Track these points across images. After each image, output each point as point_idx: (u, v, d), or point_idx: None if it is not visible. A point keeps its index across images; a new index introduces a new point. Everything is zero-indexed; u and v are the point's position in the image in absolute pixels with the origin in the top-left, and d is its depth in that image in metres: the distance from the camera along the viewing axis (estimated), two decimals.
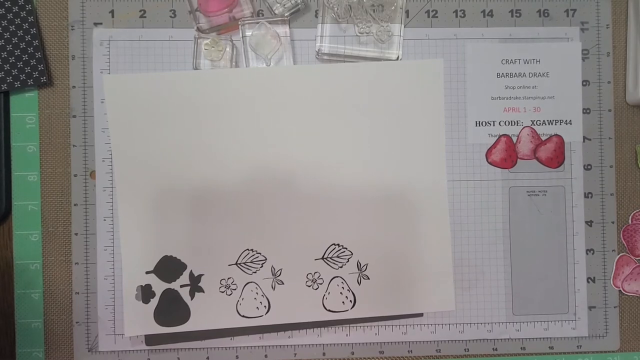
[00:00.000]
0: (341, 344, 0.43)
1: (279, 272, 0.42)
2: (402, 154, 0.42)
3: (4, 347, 0.43)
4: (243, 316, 0.42)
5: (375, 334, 0.43)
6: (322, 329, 0.43)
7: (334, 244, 0.42)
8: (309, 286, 0.42)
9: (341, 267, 0.42)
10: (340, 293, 0.42)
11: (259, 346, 0.43)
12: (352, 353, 0.43)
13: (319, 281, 0.42)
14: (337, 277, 0.42)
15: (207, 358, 0.42)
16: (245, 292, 0.42)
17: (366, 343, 0.43)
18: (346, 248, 0.42)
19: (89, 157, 0.42)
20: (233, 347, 0.43)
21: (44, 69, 0.41)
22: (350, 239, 0.42)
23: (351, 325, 0.43)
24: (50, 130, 0.42)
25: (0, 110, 0.41)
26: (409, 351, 0.43)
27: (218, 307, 0.41)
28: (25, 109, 0.42)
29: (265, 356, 0.43)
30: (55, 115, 0.42)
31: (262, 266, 0.42)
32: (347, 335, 0.43)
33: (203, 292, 0.41)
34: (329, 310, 0.42)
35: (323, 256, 0.42)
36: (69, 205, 0.42)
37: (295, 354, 0.43)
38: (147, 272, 0.41)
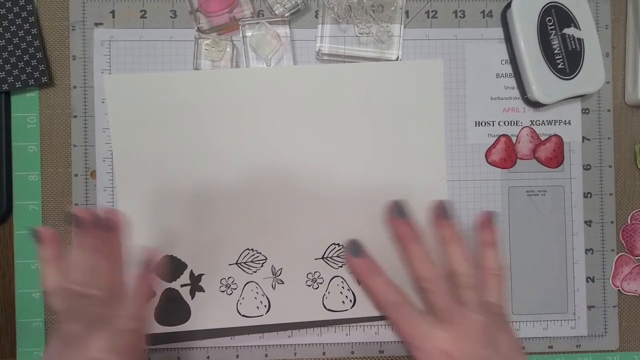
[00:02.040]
0: (341, 343, 0.43)
1: (279, 272, 0.42)
2: (402, 154, 0.42)
3: (4, 346, 0.43)
4: (243, 316, 0.42)
5: (375, 334, 0.43)
6: (322, 328, 0.43)
7: (334, 244, 0.42)
8: (309, 286, 0.42)
9: (341, 266, 0.42)
10: (340, 292, 0.42)
11: (259, 345, 0.43)
12: (352, 353, 0.43)
13: (319, 281, 0.42)
14: (337, 276, 0.42)
15: (208, 357, 0.43)
16: (245, 292, 0.42)
17: (366, 343, 0.43)
18: None
19: (90, 157, 0.42)
20: (233, 347, 0.43)
21: (45, 69, 0.41)
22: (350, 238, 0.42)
23: (351, 324, 0.43)
24: (51, 130, 0.42)
25: (1, 111, 0.42)
26: (408, 351, 0.43)
27: (218, 306, 0.42)
28: (26, 109, 0.42)
29: (266, 355, 0.43)
30: (56, 115, 0.42)
31: (262, 266, 0.42)
32: (347, 334, 0.43)
33: (203, 291, 0.42)
34: (329, 310, 0.42)
35: (323, 256, 0.42)
36: (69, 205, 0.42)
37: (295, 354, 0.43)
38: None
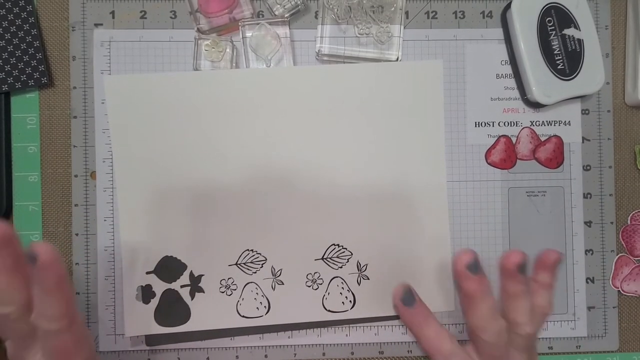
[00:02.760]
0: (341, 344, 0.43)
1: (279, 273, 0.42)
2: (402, 155, 0.42)
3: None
4: (243, 316, 0.42)
5: (375, 334, 0.43)
6: (322, 329, 0.43)
7: (334, 244, 0.42)
8: (309, 286, 0.42)
9: (341, 267, 0.42)
10: (340, 293, 0.42)
11: (259, 346, 0.43)
12: (352, 353, 0.43)
13: (319, 281, 0.42)
14: (337, 277, 0.42)
15: (207, 358, 0.43)
16: (245, 293, 0.42)
17: (366, 343, 0.43)
18: (346, 248, 0.42)
19: (90, 158, 0.42)
20: (233, 347, 0.43)
21: (45, 70, 0.41)
22: (350, 239, 0.42)
23: (351, 325, 0.43)
24: (50, 131, 0.42)
25: (1, 111, 0.42)
26: (408, 351, 0.43)
27: (218, 307, 0.42)
28: (26, 110, 0.42)
29: (265, 356, 0.43)
30: (55, 116, 0.42)
31: (262, 266, 0.42)
32: (347, 335, 0.43)
33: (203, 292, 0.42)
34: (329, 311, 0.42)
35: (323, 256, 0.42)
36: (69, 206, 0.42)
37: (295, 354, 0.43)
38: (148, 273, 0.41)
